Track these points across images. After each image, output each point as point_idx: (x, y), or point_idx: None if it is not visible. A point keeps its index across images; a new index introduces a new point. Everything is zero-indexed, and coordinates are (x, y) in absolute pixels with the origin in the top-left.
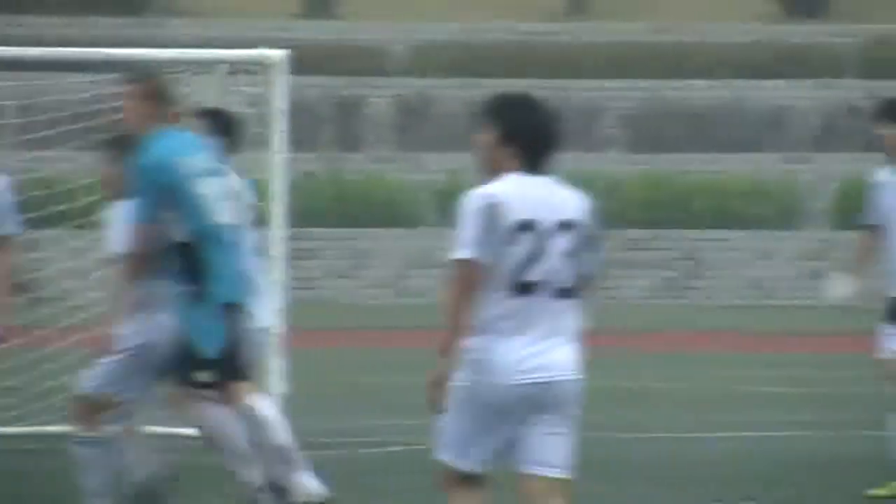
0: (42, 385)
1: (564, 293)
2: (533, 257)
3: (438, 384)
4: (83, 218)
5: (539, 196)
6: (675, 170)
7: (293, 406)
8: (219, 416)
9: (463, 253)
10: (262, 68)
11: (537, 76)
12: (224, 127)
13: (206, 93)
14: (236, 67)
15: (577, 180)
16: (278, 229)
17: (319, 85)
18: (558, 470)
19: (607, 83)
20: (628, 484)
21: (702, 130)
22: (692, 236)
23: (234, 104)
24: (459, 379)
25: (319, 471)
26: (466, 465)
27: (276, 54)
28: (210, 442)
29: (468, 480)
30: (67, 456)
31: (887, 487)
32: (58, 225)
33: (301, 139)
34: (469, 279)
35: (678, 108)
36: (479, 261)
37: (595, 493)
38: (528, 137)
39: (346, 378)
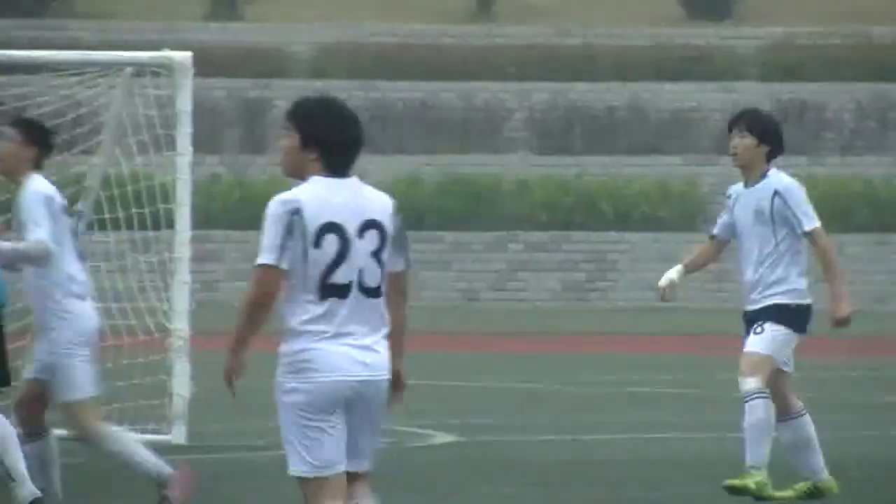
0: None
1: (373, 292)
2: (339, 259)
3: (228, 379)
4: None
5: (342, 198)
6: (579, 172)
7: (195, 408)
8: None
9: (263, 258)
10: (167, 70)
11: (443, 78)
12: (36, 136)
13: (111, 95)
14: (141, 70)
15: (485, 182)
16: (182, 232)
17: (223, 87)
18: (365, 463)
19: (512, 85)
20: (514, 484)
21: (606, 133)
22: (596, 239)
23: (139, 106)
24: (283, 386)
25: (218, 472)
26: (314, 472)
27: (181, 56)
28: None
29: (327, 485)
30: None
31: (743, 477)
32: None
33: (205, 141)
34: (268, 284)
35: (582, 111)
36: (279, 266)
37: (482, 494)
38: (328, 141)
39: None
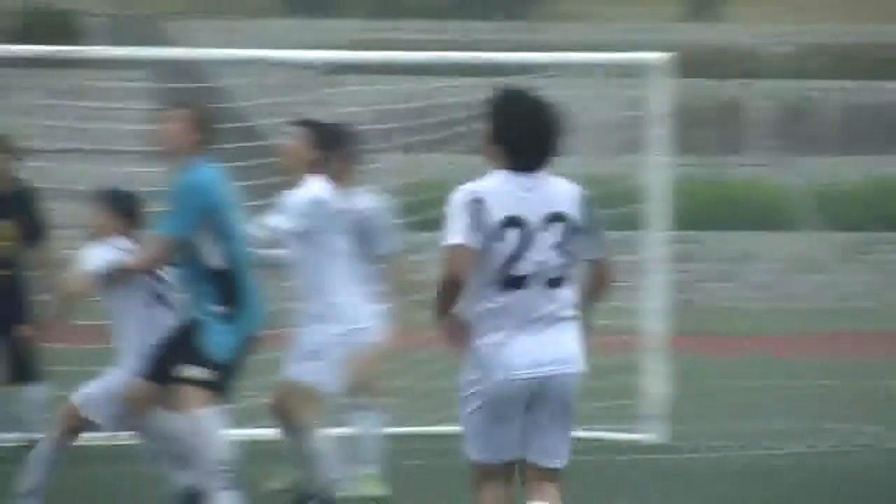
0: (426, 386)
1: (556, 283)
2: (520, 252)
3: (450, 333)
4: None
5: (524, 191)
6: None
7: (676, 408)
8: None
9: (454, 239)
10: (642, 71)
11: None
12: (321, 138)
13: (585, 96)
14: (617, 71)
15: None
16: (660, 232)
17: (700, 87)
18: (558, 461)
19: None
20: None
21: None
22: None
23: (612, 107)
24: (469, 378)
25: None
26: (490, 459)
27: (657, 57)
28: (154, 445)
29: (494, 476)
30: (458, 456)
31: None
32: (434, 229)
33: (681, 141)
34: (458, 262)
35: None
36: (470, 246)
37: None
38: (510, 136)
39: (719, 383)
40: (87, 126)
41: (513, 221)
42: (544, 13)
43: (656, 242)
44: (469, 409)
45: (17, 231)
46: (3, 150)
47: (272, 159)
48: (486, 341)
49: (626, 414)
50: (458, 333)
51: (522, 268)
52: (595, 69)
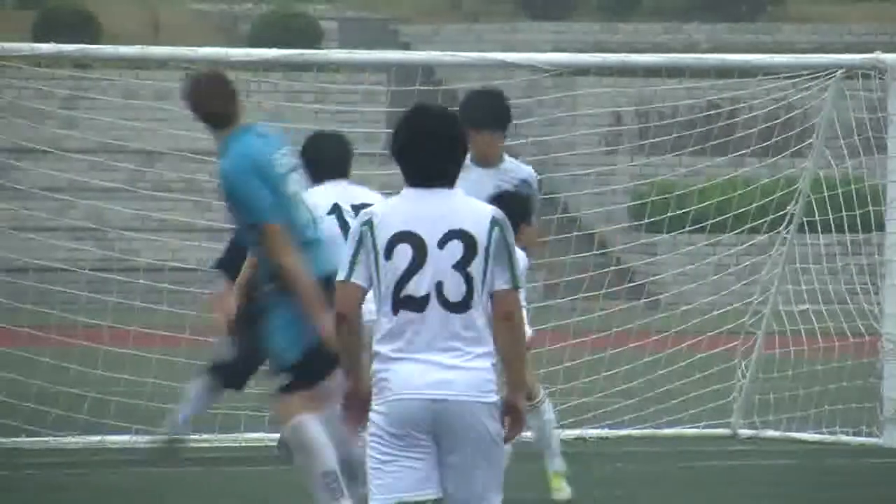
0: (657, 388)
1: (458, 307)
2: (413, 271)
3: (349, 404)
4: (697, 223)
5: (422, 208)
6: None
7: None
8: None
9: (340, 275)
10: (878, 72)
11: None
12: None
13: (823, 98)
14: (853, 72)
15: None
16: (893, 234)
17: None
18: (475, 501)
19: None
20: None
21: None
22: None
23: (850, 108)
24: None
25: None
26: (388, 499)
27: (892, 58)
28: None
29: None
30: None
31: None
32: (673, 229)
33: None
34: (345, 300)
35: None
36: (354, 282)
37: None
38: (407, 151)
39: None
40: (321, 128)
41: (403, 237)
42: (779, 14)
43: (891, 245)
44: (369, 443)
45: None
46: None
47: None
48: (380, 365)
49: (866, 418)
50: (358, 406)
51: (417, 287)
52: (831, 70)
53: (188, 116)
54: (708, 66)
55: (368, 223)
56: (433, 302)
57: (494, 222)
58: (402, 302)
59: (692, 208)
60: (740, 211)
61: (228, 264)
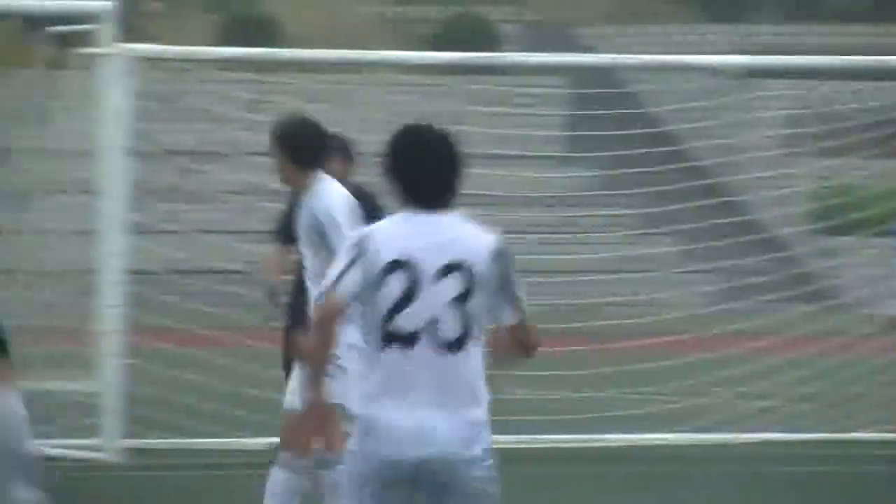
0: (843, 393)
1: (451, 347)
2: (404, 303)
3: (309, 417)
4: (879, 226)
5: (420, 234)
6: None
7: None
8: None
9: (325, 283)
10: None
11: None
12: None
13: None
14: None
15: None
16: None
17: None
18: None
19: None
20: None
21: None
22: None
23: None
24: (350, 449)
25: None
26: None
27: None
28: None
29: None
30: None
31: None
32: (853, 233)
33: None
34: (325, 310)
35: None
36: (339, 292)
37: None
38: (406, 171)
39: None
40: (506, 132)
41: (398, 266)
42: None
43: None
44: (351, 487)
45: None
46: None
47: (684, 164)
48: (364, 406)
49: None
50: (317, 420)
51: (407, 323)
52: None
53: (365, 119)
54: (889, 68)
55: (365, 242)
56: (423, 340)
57: (497, 254)
58: (390, 337)
59: (870, 211)
60: None
61: (283, 230)
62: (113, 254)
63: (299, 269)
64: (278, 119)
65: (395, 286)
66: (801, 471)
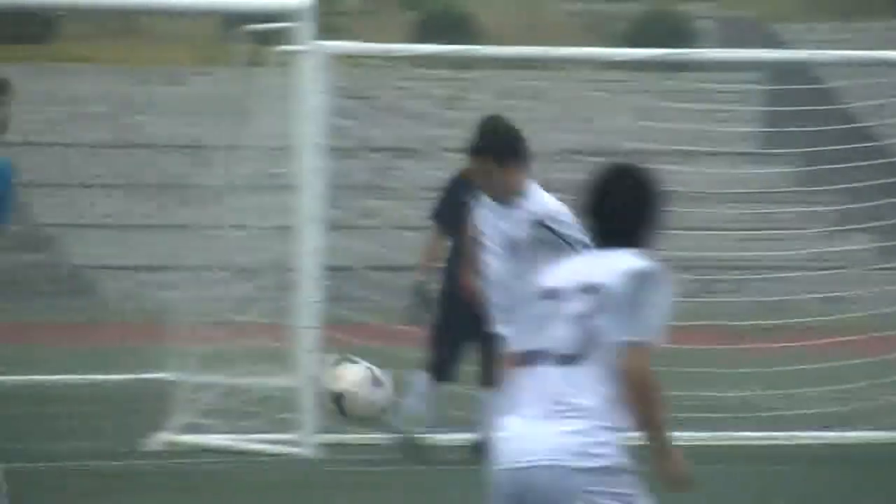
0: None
1: (567, 360)
2: (541, 324)
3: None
4: None
5: (574, 265)
6: None
7: None
8: None
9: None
10: None
11: None
12: None
13: None
14: None
15: None
16: None
17: None
18: None
19: None
20: None
21: None
22: None
23: None
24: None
25: None
26: None
27: None
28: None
29: None
30: None
31: None
32: None
33: None
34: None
35: None
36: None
37: None
38: (592, 213)
39: None
40: (696, 128)
41: (549, 294)
42: None
43: None
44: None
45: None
46: None
47: (881, 161)
48: (499, 427)
49: None
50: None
51: (534, 341)
52: None
53: (560, 116)
54: None
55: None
56: (544, 356)
57: (634, 274)
58: (523, 357)
59: None
60: None
61: (444, 215)
62: (310, 250)
63: (453, 259)
64: (485, 120)
65: (537, 310)
66: None
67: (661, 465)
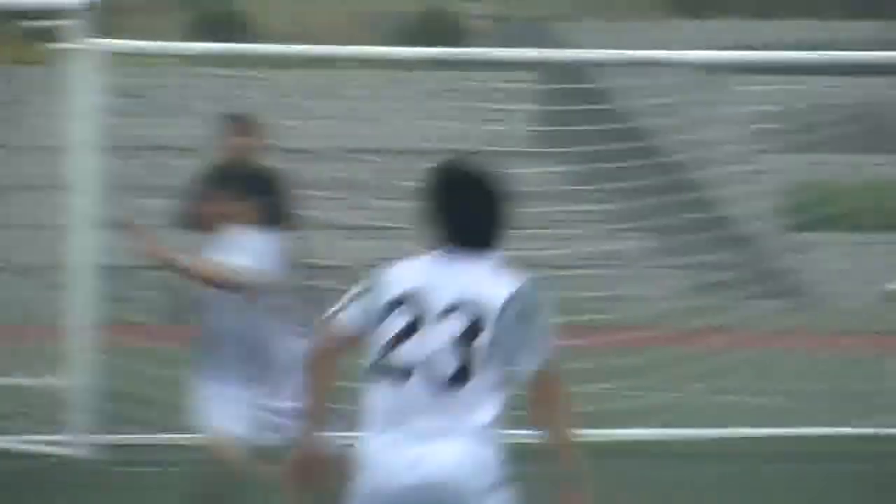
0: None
1: (449, 384)
2: (404, 338)
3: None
4: (852, 221)
5: (436, 272)
6: None
7: None
8: None
9: (328, 312)
10: None
11: None
12: None
13: None
14: None
15: None
16: None
17: None
18: None
19: None
20: None
21: None
22: None
23: None
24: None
25: None
26: None
27: None
28: None
29: None
30: None
31: None
32: (827, 229)
33: None
34: (324, 341)
35: None
36: (341, 322)
37: None
38: (449, 214)
39: None
40: (478, 127)
41: (403, 301)
42: None
43: None
44: None
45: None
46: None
47: (655, 160)
48: (364, 443)
49: None
50: (308, 466)
51: (403, 358)
52: None
53: (338, 114)
54: (856, 63)
55: (381, 275)
56: (418, 376)
57: (516, 295)
58: (384, 371)
59: (842, 206)
60: None
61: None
62: (84, 249)
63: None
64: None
65: (397, 321)
66: (774, 468)
67: (564, 462)
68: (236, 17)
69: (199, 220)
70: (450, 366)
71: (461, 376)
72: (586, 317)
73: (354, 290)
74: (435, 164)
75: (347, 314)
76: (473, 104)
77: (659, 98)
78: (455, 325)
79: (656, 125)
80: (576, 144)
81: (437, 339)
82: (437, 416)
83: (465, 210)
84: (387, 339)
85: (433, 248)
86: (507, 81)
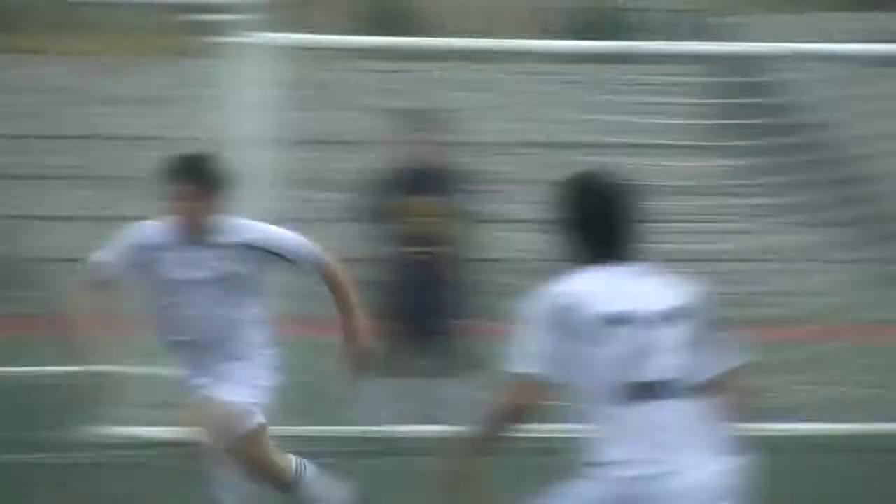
0: None
1: (688, 393)
2: (636, 355)
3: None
4: None
5: (629, 285)
6: None
7: None
8: None
9: (519, 366)
10: None
11: None
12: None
13: None
14: None
15: None
16: None
17: None
18: None
19: None
20: None
21: None
22: None
23: None
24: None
25: None
26: None
27: None
28: None
29: None
30: None
31: None
32: None
33: None
34: (522, 397)
35: None
36: (539, 376)
37: None
38: (595, 223)
39: None
40: (642, 121)
41: (620, 319)
42: None
43: None
44: None
45: (445, 210)
46: (430, 128)
47: (821, 154)
48: (610, 470)
49: None
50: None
51: (642, 374)
52: None
53: (503, 107)
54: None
55: (565, 303)
56: (661, 390)
57: (699, 302)
58: (626, 391)
59: None
60: None
61: None
62: None
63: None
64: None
65: (620, 340)
66: None
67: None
68: (405, 11)
69: (383, 216)
70: (686, 375)
71: (690, 385)
72: (758, 311)
73: (535, 332)
74: (567, 178)
75: (539, 364)
76: (640, 98)
77: (826, 91)
78: (679, 331)
79: (823, 118)
80: (742, 138)
81: (666, 348)
82: (681, 427)
83: (620, 222)
84: (616, 359)
85: (582, 259)
86: (672, 75)
